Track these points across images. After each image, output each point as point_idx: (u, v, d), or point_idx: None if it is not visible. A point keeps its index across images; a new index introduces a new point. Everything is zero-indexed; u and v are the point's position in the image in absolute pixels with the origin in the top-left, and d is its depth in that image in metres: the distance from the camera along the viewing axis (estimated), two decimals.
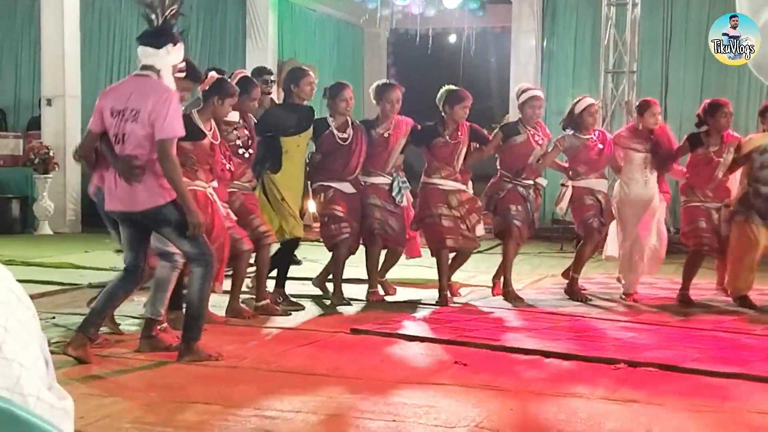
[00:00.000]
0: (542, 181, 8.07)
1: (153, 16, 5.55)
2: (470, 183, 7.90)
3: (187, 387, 4.99)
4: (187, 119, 5.99)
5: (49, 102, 12.86)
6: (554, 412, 4.61)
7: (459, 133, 7.71)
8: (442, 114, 7.72)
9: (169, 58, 5.42)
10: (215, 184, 6.49)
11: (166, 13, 5.55)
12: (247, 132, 7.10)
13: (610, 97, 11.43)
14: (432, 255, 7.86)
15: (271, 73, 9.69)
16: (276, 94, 10.98)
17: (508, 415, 4.56)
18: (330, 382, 5.11)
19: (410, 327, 6.67)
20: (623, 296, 7.98)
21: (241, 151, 7.01)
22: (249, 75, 7.59)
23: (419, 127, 7.85)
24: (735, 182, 7.91)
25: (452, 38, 16.19)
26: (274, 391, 4.94)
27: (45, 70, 12.88)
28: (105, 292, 5.55)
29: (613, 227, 8.14)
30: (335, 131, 7.54)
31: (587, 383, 5.17)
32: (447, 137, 7.67)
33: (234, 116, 6.84)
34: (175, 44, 5.46)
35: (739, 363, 5.60)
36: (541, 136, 7.95)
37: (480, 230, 7.86)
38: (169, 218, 5.35)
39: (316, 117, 7.67)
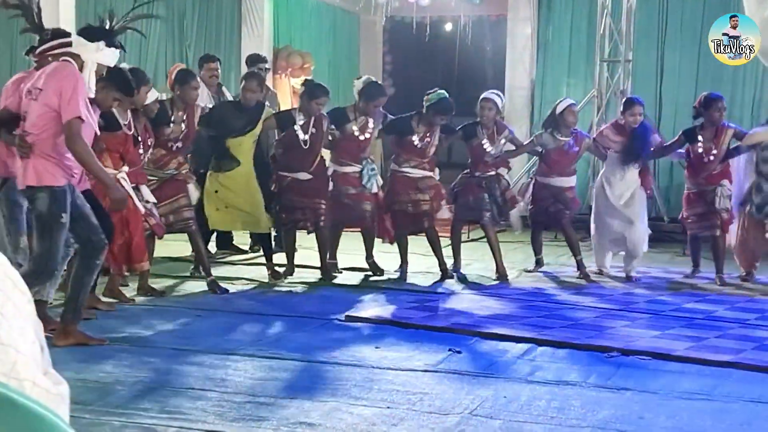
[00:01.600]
0: (503, 171, 8.28)
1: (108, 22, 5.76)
2: (436, 170, 8.16)
3: (181, 373, 5.01)
4: (107, 112, 6.28)
5: None
6: (548, 400, 4.63)
7: (429, 134, 7.97)
8: (422, 112, 7.93)
9: (97, 55, 5.51)
10: (126, 169, 6.69)
11: (117, 23, 5.73)
12: (184, 126, 7.35)
13: (605, 87, 11.41)
14: (392, 239, 8.18)
15: (266, 61, 9.70)
16: (271, 82, 10.99)
17: (502, 402, 4.59)
18: (324, 369, 5.13)
19: (405, 314, 6.68)
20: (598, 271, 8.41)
21: (170, 144, 7.32)
22: (186, 67, 7.91)
23: (389, 116, 8.12)
24: (737, 167, 8.19)
25: (448, 26, 16.13)
26: (268, 377, 4.96)
27: None
28: (71, 279, 5.58)
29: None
30: (299, 130, 7.70)
31: (580, 371, 5.20)
32: (418, 138, 7.93)
33: (152, 96, 7.00)
34: (108, 45, 5.54)
35: (731, 352, 5.63)
36: (498, 137, 8.16)
37: (444, 213, 8.22)
38: (36, 204, 5.34)
39: (280, 110, 7.91)
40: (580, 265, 8.27)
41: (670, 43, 11.98)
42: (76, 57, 5.43)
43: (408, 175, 7.98)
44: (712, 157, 7.97)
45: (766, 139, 7.91)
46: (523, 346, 5.75)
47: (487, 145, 8.09)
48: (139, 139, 6.86)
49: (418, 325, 6.28)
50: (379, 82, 7.92)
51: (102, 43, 5.50)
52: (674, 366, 5.35)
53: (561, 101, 8.44)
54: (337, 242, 8.21)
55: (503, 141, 8.20)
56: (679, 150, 8.35)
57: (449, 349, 5.62)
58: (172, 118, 7.30)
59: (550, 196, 8.31)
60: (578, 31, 12.56)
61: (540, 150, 8.41)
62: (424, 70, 15.92)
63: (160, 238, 7.25)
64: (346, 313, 6.57)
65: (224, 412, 4.33)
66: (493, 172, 8.17)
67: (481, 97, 8.24)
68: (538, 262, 8.63)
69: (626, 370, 5.24)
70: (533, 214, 8.51)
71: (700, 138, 8.01)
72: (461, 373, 5.09)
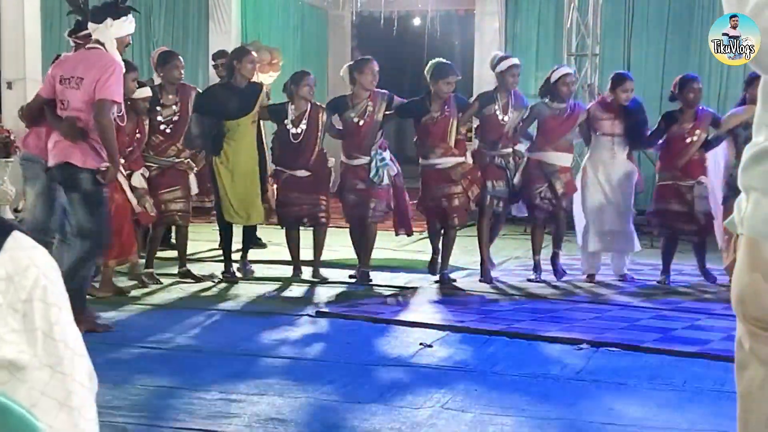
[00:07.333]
0: (521, 147, 7.89)
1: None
2: (467, 154, 7.72)
3: (152, 370, 4.98)
4: None
5: (9, 85, 12.68)
6: (518, 393, 4.66)
7: (447, 107, 7.54)
8: (429, 89, 7.55)
9: (110, 31, 5.75)
10: (121, 161, 6.73)
11: None
12: (176, 108, 7.41)
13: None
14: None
15: None
16: None
17: (473, 395, 4.60)
18: (295, 365, 5.13)
19: (375, 309, 6.69)
20: (586, 277, 7.91)
21: (162, 127, 7.39)
22: (169, 49, 8.08)
23: (397, 98, 7.71)
24: (713, 161, 7.74)
25: (416, 21, 16.17)
26: (239, 374, 4.94)
27: (5, 53, 12.69)
28: (66, 270, 5.55)
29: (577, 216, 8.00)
30: (290, 126, 7.54)
31: (551, 364, 5.22)
32: (436, 114, 7.52)
33: (145, 92, 7.10)
34: (115, 18, 5.77)
35: (699, 342, 5.68)
36: (516, 105, 7.77)
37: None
38: (81, 184, 5.69)
39: (272, 101, 7.80)
40: (555, 257, 7.91)
41: (636, 36, 12.06)
42: (97, 42, 5.75)
43: (438, 167, 7.56)
44: (695, 138, 7.59)
45: (745, 118, 7.24)
46: (494, 340, 5.77)
47: (500, 115, 7.66)
48: (121, 124, 6.81)
49: (388, 320, 6.29)
50: (361, 57, 7.85)
51: (109, 20, 5.73)
52: (643, 357, 5.40)
53: (557, 69, 8.00)
54: (368, 246, 7.68)
55: (516, 113, 7.73)
56: (661, 141, 7.85)
57: (420, 344, 5.62)
58: (161, 102, 7.35)
59: (543, 177, 7.77)
60: (546, 25, 12.63)
61: (531, 132, 8.04)
62: (393, 65, 15.92)
63: (145, 227, 7.41)
64: (317, 309, 6.56)
65: (195, 410, 4.31)
66: (510, 149, 7.77)
67: (510, 63, 7.72)
68: (537, 267, 7.94)
69: (596, 362, 5.28)
70: (526, 199, 7.86)
71: (680, 120, 7.64)
72: (432, 367, 5.10)
